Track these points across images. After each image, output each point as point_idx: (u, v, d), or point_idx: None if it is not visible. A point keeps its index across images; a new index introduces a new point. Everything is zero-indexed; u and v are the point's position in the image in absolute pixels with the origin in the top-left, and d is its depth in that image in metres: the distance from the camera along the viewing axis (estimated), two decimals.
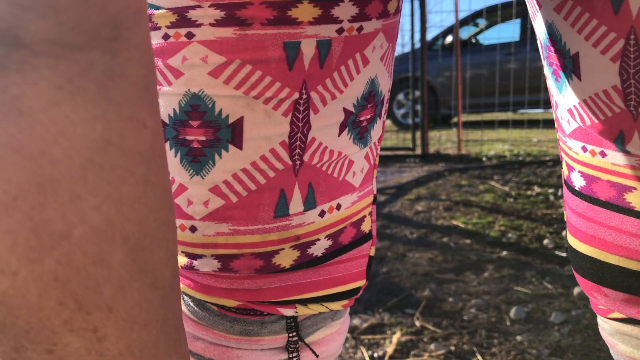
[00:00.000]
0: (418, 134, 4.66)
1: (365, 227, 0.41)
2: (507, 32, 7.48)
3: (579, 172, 0.41)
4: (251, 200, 0.35)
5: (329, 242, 0.38)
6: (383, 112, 0.41)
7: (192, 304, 0.40)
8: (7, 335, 0.20)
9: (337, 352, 0.45)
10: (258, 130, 0.34)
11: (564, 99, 0.41)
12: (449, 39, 6.46)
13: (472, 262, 1.85)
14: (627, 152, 0.37)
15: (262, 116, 0.34)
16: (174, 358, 0.24)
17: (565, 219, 0.44)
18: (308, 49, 0.34)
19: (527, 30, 5.81)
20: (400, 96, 6.86)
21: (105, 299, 0.20)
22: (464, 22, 6.51)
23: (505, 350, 1.21)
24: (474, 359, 1.18)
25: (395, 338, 1.28)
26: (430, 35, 7.99)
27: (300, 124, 0.35)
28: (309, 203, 0.36)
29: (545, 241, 1.99)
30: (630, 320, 0.40)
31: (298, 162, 0.36)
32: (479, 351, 1.21)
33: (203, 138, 0.35)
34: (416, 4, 4.44)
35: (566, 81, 0.40)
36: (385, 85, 0.40)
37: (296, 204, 0.36)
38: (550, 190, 2.88)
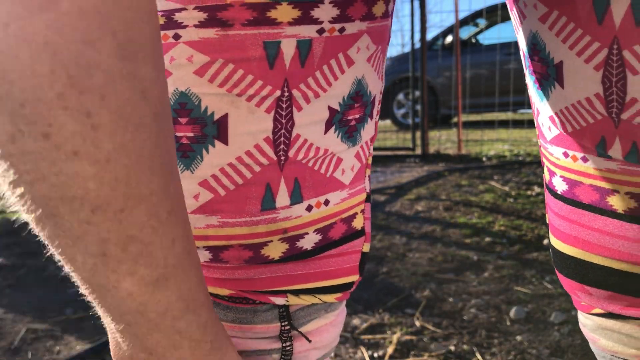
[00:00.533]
0: (418, 134, 4.66)
1: (357, 223, 0.41)
2: (507, 32, 7.48)
3: (561, 176, 0.42)
4: (238, 193, 0.36)
5: (319, 237, 0.39)
6: (374, 113, 0.42)
7: None
8: (2, 113, 0.21)
9: (332, 344, 0.45)
10: (242, 126, 0.36)
11: (546, 106, 0.42)
12: (449, 39, 6.46)
13: (472, 262, 1.85)
14: (608, 157, 0.39)
15: (246, 113, 0.35)
16: (170, 187, 0.26)
17: (547, 222, 0.45)
18: (288, 49, 0.35)
19: None
20: (400, 96, 6.86)
21: (97, 84, 0.21)
22: (464, 22, 6.51)
23: (505, 350, 1.21)
24: (474, 359, 1.18)
25: (395, 338, 1.28)
26: (430, 35, 8.02)
27: (283, 121, 0.36)
28: (296, 197, 0.37)
29: (545, 241, 1.99)
30: (611, 315, 0.42)
31: (283, 158, 0.37)
32: (479, 351, 1.21)
33: (191, 134, 0.36)
34: (416, 4, 4.44)
35: (548, 89, 0.41)
36: (374, 87, 0.41)
37: (282, 197, 0.37)
38: None
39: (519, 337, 1.27)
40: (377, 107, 0.42)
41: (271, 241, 0.38)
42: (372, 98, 0.40)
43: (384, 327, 1.35)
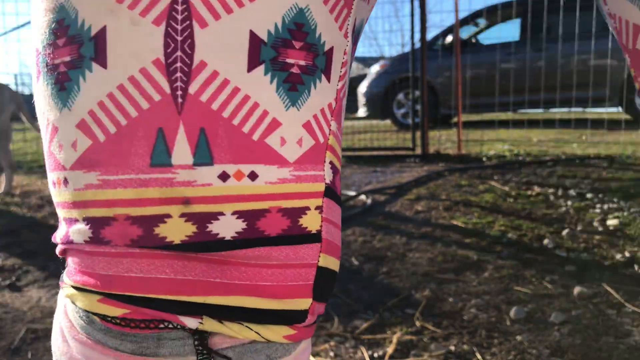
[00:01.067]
0: (418, 134, 4.66)
1: (309, 223, 0.30)
2: (507, 32, 7.48)
3: None
4: (121, 138, 0.27)
5: (242, 224, 0.28)
6: (333, 74, 0.31)
7: (80, 316, 0.30)
8: None
9: None
10: (123, 43, 0.26)
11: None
12: (449, 38, 6.45)
13: (472, 262, 1.84)
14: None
15: (127, 25, 0.26)
16: None
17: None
18: None
19: (527, 30, 5.81)
20: (400, 96, 6.85)
21: None
22: (464, 21, 6.50)
23: (505, 350, 1.21)
24: (474, 359, 1.18)
25: (395, 338, 1.28)
26: (430, 35, 8.01)
27: (178, 38, 0.26)
28: (202, 156, 0.27)
29: (545, 241, 1.99)
30: None
31: (180, 93, 0.27)
32: (479, 351, 1.21)
33: (68, 58, 0.28)
34: (416, 4, 4.44)
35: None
36: (331, 36, 0.30)
37: (182, 152, 0.27)
38: (550, 190, 2.88)
39: (519, 337, 1.27)
40: (337, 69, 0.31)
41: (169, 216, 0.27)
42: (325, 48, 0.30)
43: (384, 327, 1.35)
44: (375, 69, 7.44)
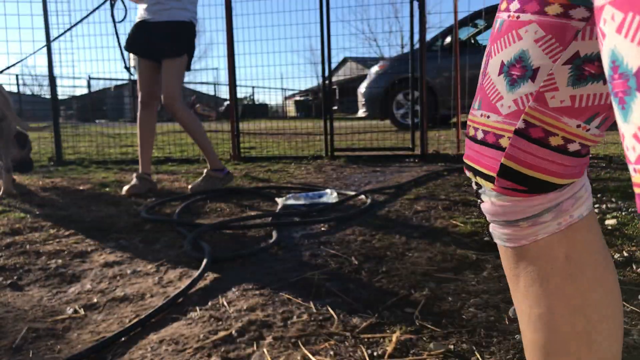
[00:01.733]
0: (417, 134, 4.67)
1: (503, 143, 0.61)
2: None
3: None
4: (482, 98, 0.63)
5: (482, 134, 0.63)
6: (539, 80, 0.57)
7: None
8: None
9: (519, 212, 0.64)
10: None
11: (629, 125, 0.38)
12: (448, 39, 6.46)
13: (471, 261, 1.85)
14: None
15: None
16: None
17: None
18: (495, 24, 0.62)
19: None
20: (400, 97, 6.86)
21: None
22: (463, 23, 6.51)
23: (504, 349, 1.22)
24: (473, 358, 1.19)
25: (394, 337, 1.29)
26: (429, 36, 7.99)
27: (483, 66, 0.64)
28: (479, 106, 0.64)
29: None
30: None
31: (481, 81, 0.64)
32: (478, 350, 1.22)
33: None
34: (416, 5, 4.45)
35: (631, 103, 0.37)
36: (539, 61, 0.57)
37: (476, 104, 0.64)
38: None
39: (517, 336, 1.27)
40: (542, 77, 0.57)
41: (470, 126, 0.66)
42: (534, 67, 0.58)
43: (384, 326, 1.36)
44: (374, 69, 7.44)
